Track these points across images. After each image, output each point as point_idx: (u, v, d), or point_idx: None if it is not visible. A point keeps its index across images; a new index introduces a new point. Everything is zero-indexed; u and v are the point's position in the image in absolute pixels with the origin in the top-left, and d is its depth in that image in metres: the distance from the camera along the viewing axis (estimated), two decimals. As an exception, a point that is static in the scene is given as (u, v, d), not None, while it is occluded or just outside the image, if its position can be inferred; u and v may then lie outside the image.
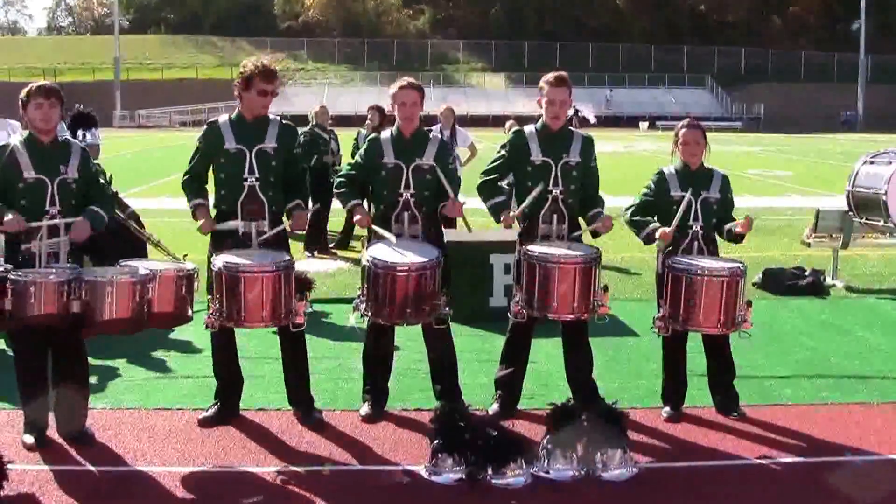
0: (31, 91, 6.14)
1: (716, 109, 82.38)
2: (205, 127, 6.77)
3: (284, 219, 6.70)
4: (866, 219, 11.31)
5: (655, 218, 7.00)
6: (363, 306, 6.51)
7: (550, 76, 6.90)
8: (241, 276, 6.14)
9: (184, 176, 6.77)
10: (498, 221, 7.01)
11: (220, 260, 6.25)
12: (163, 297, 6.02)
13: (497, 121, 51.88)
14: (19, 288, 5.60)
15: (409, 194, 6.80)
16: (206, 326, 6.36)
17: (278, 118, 6.82)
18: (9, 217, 5.90)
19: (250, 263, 6.20)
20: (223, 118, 6.76)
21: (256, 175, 6.55)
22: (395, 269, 6.32)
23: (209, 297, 6.35)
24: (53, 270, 5.81)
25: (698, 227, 6.87)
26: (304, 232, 11.63)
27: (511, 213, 6.83)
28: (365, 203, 7.18)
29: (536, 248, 6.57)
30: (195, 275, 6.21)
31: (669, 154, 7.17)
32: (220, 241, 6.56)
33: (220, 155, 6.60)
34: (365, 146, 7.04)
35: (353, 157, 7.40)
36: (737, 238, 6.94)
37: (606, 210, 7.05)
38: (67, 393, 6.31)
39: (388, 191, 6.83)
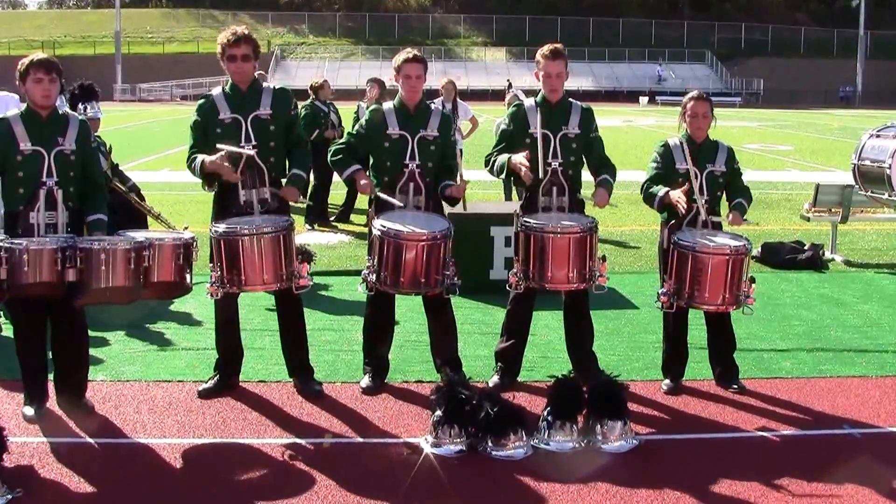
0: (29, 64, 6.07)
1: (715, 84, 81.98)
2: (199, 101, 6.72)
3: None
4: (871, 192, 11.30)
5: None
6: (372, 277, 6.51)
7: (546, 49, 6.87)
8: (240, 239, 6.15)
9: (189, 155, 6.62)
10: (505, 172, 6.86)
11: (220, 226, 6.26)
12: (161, 266, 5.99)
13: (497, 94, 51.75)
14: (14, 257, 5.55)
15: (414, 165, 6.78)
16: (210, 295, 6.36)
17: (272, 86, 6.79)
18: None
19: (249, 226, 6.21)
20: (217, 90, 6.72)
21: (254, 143, 6.53)
22: (411, 239, 6.30)
23: (210, 265, 6.35)
24: (48, 239, 5.78)
25: (703, 201, 6.85)
26: (305, 204, 11.62)
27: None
28: None
29: (533, 219, 6.57)
30: (194, 244, 6.19)
31: (669, 128, 7.15)
32: (222, 211, 6.56)
33: (217, 126, 6.56)
34: (367, 116, 6.99)
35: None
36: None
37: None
38: (67, 365, 6.32)
39: (392, 161, 6.80)
